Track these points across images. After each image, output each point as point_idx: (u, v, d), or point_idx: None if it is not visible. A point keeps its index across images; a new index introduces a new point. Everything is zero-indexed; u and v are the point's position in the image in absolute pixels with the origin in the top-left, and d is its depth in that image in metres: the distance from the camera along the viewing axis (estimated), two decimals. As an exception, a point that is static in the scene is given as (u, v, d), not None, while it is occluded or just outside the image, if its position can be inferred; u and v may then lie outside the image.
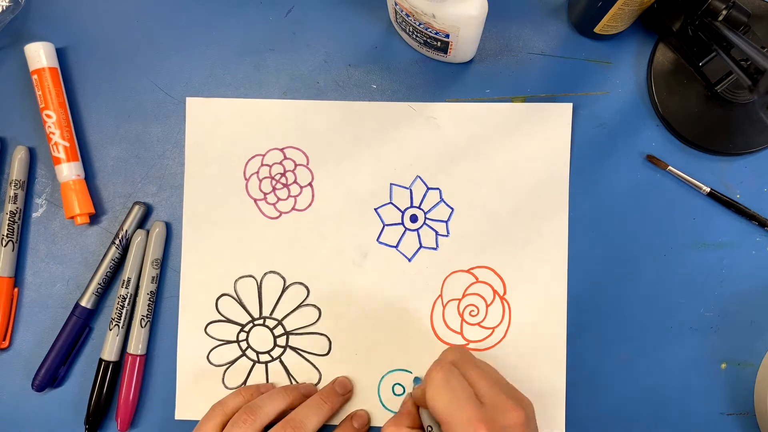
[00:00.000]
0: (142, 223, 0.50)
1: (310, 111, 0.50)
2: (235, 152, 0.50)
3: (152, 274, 0.49)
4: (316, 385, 0.49)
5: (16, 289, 0.50)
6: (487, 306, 0.49)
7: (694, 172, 0.49)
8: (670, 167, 0.49)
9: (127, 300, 0.48)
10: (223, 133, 0.50)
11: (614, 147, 0.50)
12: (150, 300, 0.49)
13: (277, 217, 0.50)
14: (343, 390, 0.48)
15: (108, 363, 0.48)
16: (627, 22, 0.47)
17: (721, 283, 0.49)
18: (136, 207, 0.49)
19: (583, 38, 0.50)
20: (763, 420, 0.47)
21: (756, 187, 0.49)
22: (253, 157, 0.50)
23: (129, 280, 0.48)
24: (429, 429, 0.43)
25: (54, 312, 0.50)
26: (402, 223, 0.50)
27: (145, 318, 0.48)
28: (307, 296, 0.49)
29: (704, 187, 0.49)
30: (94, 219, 0.50)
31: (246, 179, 0.50)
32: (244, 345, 0.49)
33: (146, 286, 0.49)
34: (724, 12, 0.43)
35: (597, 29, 0.48)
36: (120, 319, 0.48)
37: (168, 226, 0.50)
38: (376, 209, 0.50)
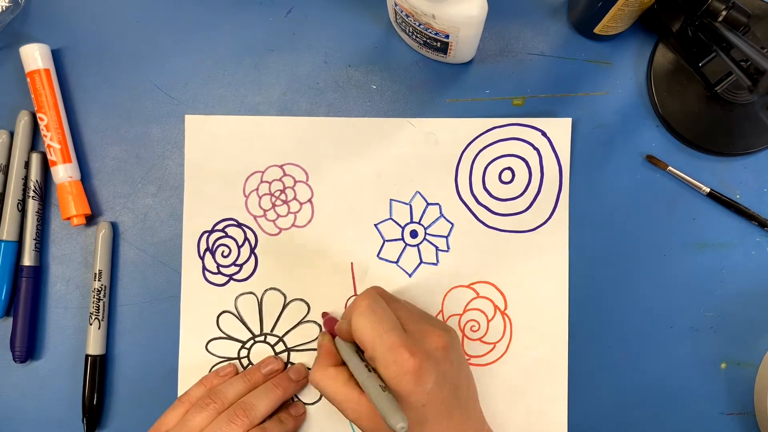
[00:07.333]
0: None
1: (309, 127, 0.50)
2: (235, 169, 0.50)
3: (96, 286, 0.49)
4: (316, 402, 0.49)
5: None
6: (488, 321, 0.49)
7: (694, 172, 0.49)
8: (670, 167, 0.49)
9: (102, 292, 0.49)
10: (223, 150, 0.50)
11: (614, 147, 0.50)
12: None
13: (277, 234, 0.50)
14: (297, 376, 0.48)
15: (95, 357, 0.48)
16: (627, 23, 0.47)
17: (721, 283, 0.49)
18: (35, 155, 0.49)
19: (583, 38, 0.50)
20: (763, 420, 0.47)
21: (756, 187, 0.49)
22: (252, 173, 0.50)
23: (101, 273, 0.49)
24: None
25: (53, 312, 0.50)
26: (402, 239, 0.50)
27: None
28: (308, 312, 0.49)
29: (704, 187, 0.49)
30: (93, 219, 0.50)
31: (246, 196, 0.50)
32: (245, 362, 0.49)
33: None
34: (724, 12, 0.43)
35: (597, 30, 0.48)
36: (99, 312, 0.48)
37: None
38: (376, 225, 0.50)
